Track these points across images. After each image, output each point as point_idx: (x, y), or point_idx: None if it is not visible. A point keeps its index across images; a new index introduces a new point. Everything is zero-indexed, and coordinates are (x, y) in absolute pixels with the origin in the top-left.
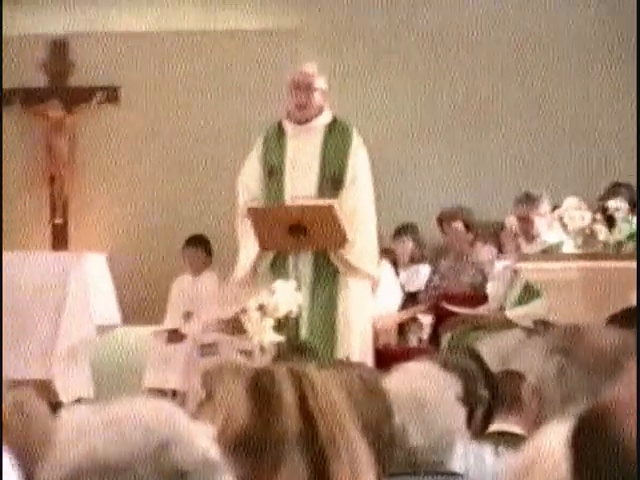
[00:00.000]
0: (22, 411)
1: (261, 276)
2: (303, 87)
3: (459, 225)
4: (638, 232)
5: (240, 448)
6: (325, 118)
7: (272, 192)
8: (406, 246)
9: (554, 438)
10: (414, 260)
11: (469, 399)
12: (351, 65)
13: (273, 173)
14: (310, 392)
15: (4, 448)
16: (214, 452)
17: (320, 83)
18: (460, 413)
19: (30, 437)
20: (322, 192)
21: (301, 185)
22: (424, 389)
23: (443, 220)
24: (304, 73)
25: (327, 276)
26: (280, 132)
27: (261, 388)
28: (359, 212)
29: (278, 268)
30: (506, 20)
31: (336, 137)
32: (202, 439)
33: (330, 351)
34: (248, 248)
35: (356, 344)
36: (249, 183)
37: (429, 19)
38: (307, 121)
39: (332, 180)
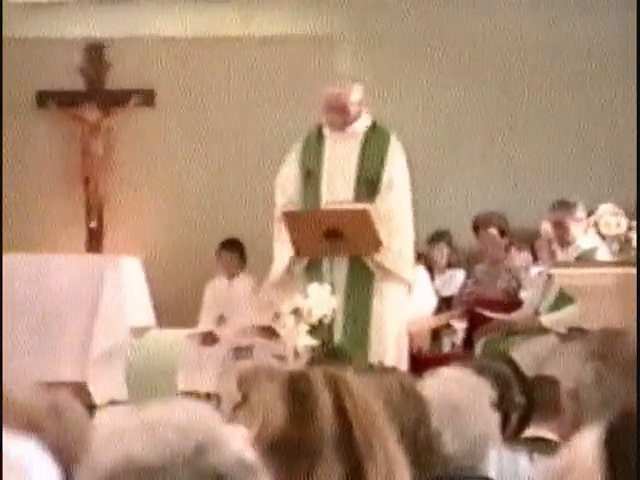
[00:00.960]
0: (58, 413)
1: (295, 280)
2: (337, 109)
3: (494, 231)
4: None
5: (276, 451)
6: (364, 122)
7: (309, 195)
8: (443, 252)
9: (589, 444)
10: (450, 265)
11: (504, 405)
12: (385, 71)
13: (310, 176)
14: (346, 396)
15: (43, 448)
16: (250, 454)
17: (355, 97)
18: (494, 419)
19: (67, 439)
20: (359, 196)
21: (338, 189)
22: (458, 395)
23: (478, 226)
24: (337, 95)
25: (361, 280)
26: (319, 136)
27: (297, 391)
28: (395, 216)
29: (313, 272)
30: (541, 27)
31: (374, 141)
32: (238, 442)
33: (363, 355)
34: (282, 251)
35: (390, 349)
36: (286, 185)
37: (464, 25)
38: (346, 127)
39: (369, 184)
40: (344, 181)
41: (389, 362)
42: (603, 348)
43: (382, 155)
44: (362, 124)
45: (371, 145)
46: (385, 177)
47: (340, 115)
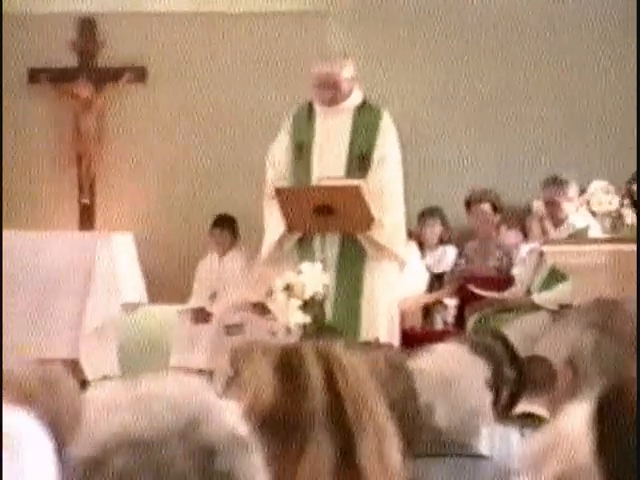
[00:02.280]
0: (51, 386)
1: (287, 256)
2: (329, 85)
3: (486, 206)
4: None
5: (267, 426)
6: (355, 99)
7: (300, 171)
8: (435, 229)
9: (576, 418)
10: (442, 242)
11: (495, 381)
12: (379, 46)
13: (302, 152)
14: (337, 369)
15: (35, 420)
16: (243, 429)
17: (346, 74)
18: (486, 395)
19: (59, 411)
20: (350, 172)
21: (329, 164)
22: (451, 370)
23: (471, 202)
24: (329, 73)
25: (353, 257)
26: (310, 111)
27: (289, 366)
28: (387, 193)
29: (304, 249)
30: (534, 4)
31: (366, 117)
32: (231, 416)
33: (355, 332)
34: (273, 227)
35: (382, 326)
36: (277, 160)
37: (460, 4)
38: (337, 104)
39: (360, 160)
40: (335, 156)
41: (382, 339)
42: (602, 318)
43: (374, 131)
44: (353, 100)
45: (362, 121)
46: (377, 153)
47: (331, 91)
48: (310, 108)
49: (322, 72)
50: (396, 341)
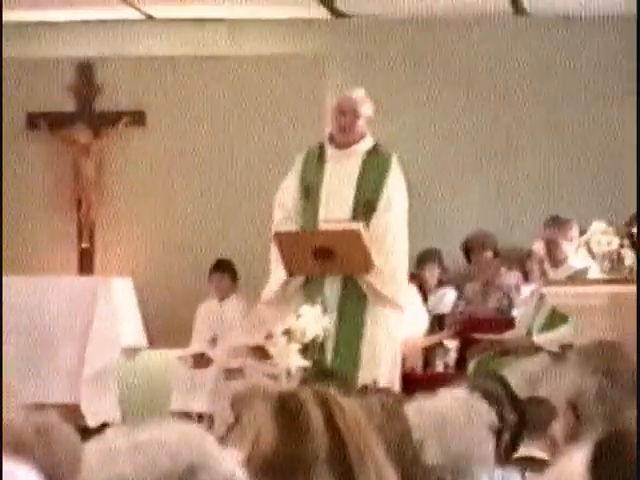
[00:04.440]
0: (47, 434)
1: (289, 299)
2: (348, 112)
3: (489, 254)
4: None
5: (269, 471)
6: (366, 144)
7: (307, 212)
8: (433, 272)
9: (576, 462)
10: (441, 284)
11: (497, 424)
12: (377, 92)
13: (310, 193)
14: (338, 413)
15: (32, 470)
16: (240, 475)
17: (365, 110)
18: (488, 438)
19: (55, 460)
20: (356, 216)
21: (336, 208)
22: (453, 414)
23: (471, 249)
24: (350, 99)
25: (355, 300)
26: (321, 154)
27: (288, 410)
28: (390, 239)
29: (307, 292)
30: (531, 49)
31: (375, 163)
32: (229, 463)
33: (354, 376)
34: (278, 270)
35: (382, 369)
36: (285, 200)
37: (455, 48)
38: (348, 146)
39: (367, 205)
40: (342, 200)
41: (381, 382)
42: (604, 362)
43: (382, 178)
44: (364, 145)
45: (371, 166)
46: (383, 199)
47: (350, 120)
48: (321, 151)
49: (344, 98)
50: (396, 384)
